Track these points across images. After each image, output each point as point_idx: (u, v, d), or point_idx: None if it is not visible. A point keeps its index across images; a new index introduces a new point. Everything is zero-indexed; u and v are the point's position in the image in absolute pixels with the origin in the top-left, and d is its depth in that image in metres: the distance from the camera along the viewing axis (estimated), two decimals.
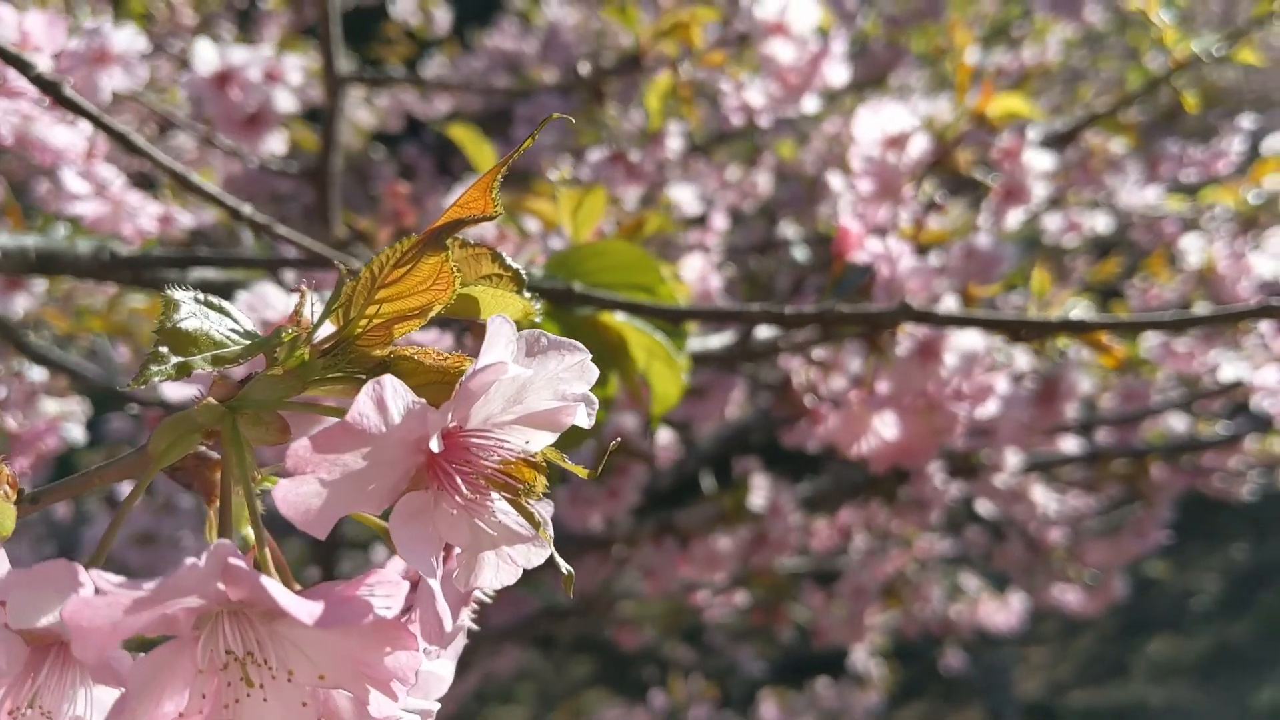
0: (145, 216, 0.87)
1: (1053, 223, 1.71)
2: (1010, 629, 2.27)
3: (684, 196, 1.58)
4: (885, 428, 0.74)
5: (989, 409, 0.73)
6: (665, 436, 1.60)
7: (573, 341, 0.28)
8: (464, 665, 1.51)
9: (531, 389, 0.27)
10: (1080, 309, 1.84)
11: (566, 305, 0.60)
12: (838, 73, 1.06)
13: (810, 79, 1.03)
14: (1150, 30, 1.17)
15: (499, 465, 0.27)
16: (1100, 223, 1.69)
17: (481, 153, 1.00)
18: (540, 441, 0.29)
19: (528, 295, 0.33)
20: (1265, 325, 1.03)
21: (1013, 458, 1.38)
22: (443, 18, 3.12)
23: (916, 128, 0.96)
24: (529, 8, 3.07)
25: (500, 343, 0.26)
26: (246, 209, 0.60)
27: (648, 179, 1.10)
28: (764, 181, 2.23)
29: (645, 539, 1.48)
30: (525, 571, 1.05)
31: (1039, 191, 1.02)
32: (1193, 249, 1.63)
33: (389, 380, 0.25)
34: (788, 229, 2.14)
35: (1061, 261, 2.05)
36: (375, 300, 0.29)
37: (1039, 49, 2.76)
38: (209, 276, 0.68)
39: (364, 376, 0.29)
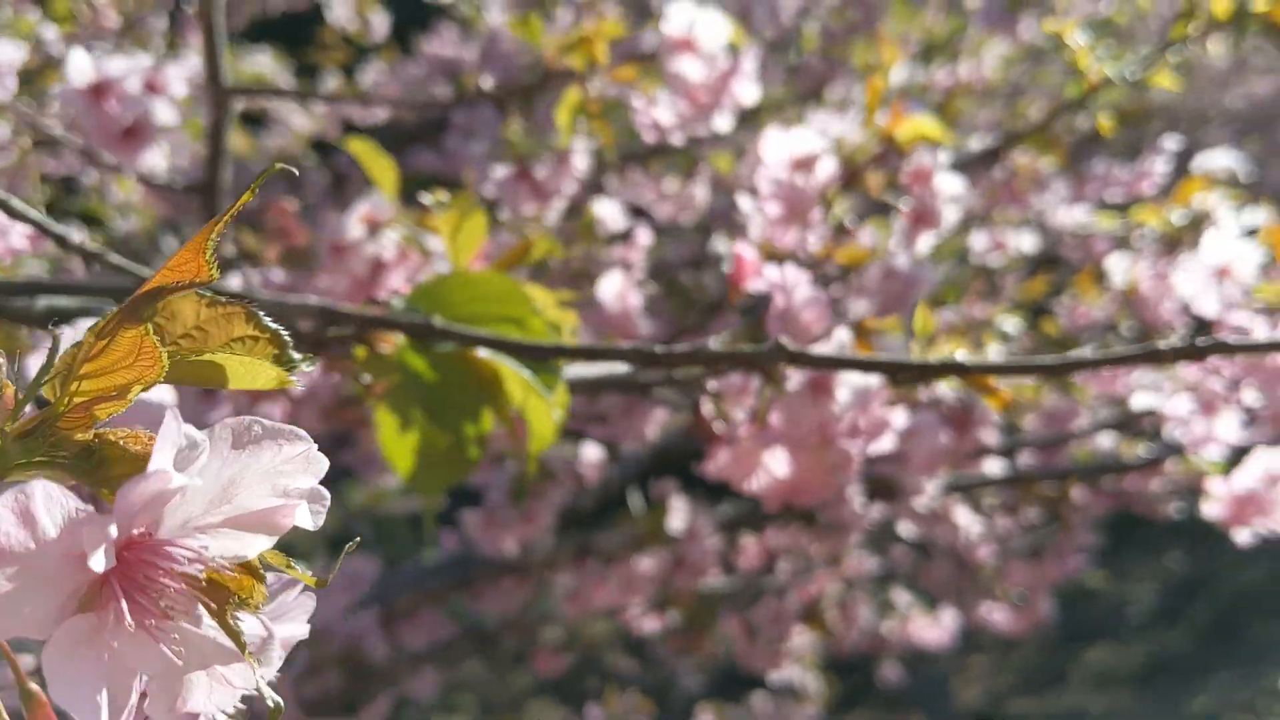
0: (16, 234, 0.82)
1: (979, 241, 1.69)
2: (942, 645, 2.25)
3: (608, 212, 1.55)
4: (776, 464, 0.71)
5: (885, 444, 0.70)
6: (594, 454, 1.56)
7: (294, 430, 0.24)
8: (375, 691, 1.46)
9: (243, 485, 0.23)
10: (1011, 325, 1.83)
11: (426, 341, 0.56)
12: (748, 91, 1.02)
13: (720, 97, 1.00)
14: (1064, 53, 1.15)
15: (195, 577, 0.23)
16: (1026, 242, 1.68)
17: (381, 169, 0.96)
18: (257, 546, 0.24)
19: (294, 356, 0.29)
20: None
21: (932, 481, 1.35)
22: (380, 23, 3.06)
23: (824, 150, 0.93)
24: (473, 14, 3.02)
25: (166, 445, 0.21)
26: (76, 237, 0.55)
27: (553, 197, 1.06)
28: (701, 194, 2.20)
29: (565, 562, 1.44)
30: (443, 594, 0.99)
31: (950, 216, 0.99)
32: (1118, 269, 1.61)
33: (38, 487, 0.20)
34: (720, 243, 2.11)
35: (992, 279, 2.03)
36: (79, 376, 0.25)
37: (974, 64, 2.75)
38: (62, 304, 0.63)
39: (68, 462, 0.25)
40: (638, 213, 1.91)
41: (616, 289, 1.37)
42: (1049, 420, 1.41)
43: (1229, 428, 0.98)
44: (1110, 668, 5.48)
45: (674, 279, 2.00)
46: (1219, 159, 2.20)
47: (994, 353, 1.80)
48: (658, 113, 1.00)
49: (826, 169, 0.94)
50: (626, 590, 1.27)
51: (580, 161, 1.05)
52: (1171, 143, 1.60)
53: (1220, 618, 5.46)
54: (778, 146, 0.94)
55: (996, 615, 1.87)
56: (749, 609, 1.67)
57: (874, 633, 2.42)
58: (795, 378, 0.68)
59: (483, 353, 0.56)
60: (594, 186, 2.44)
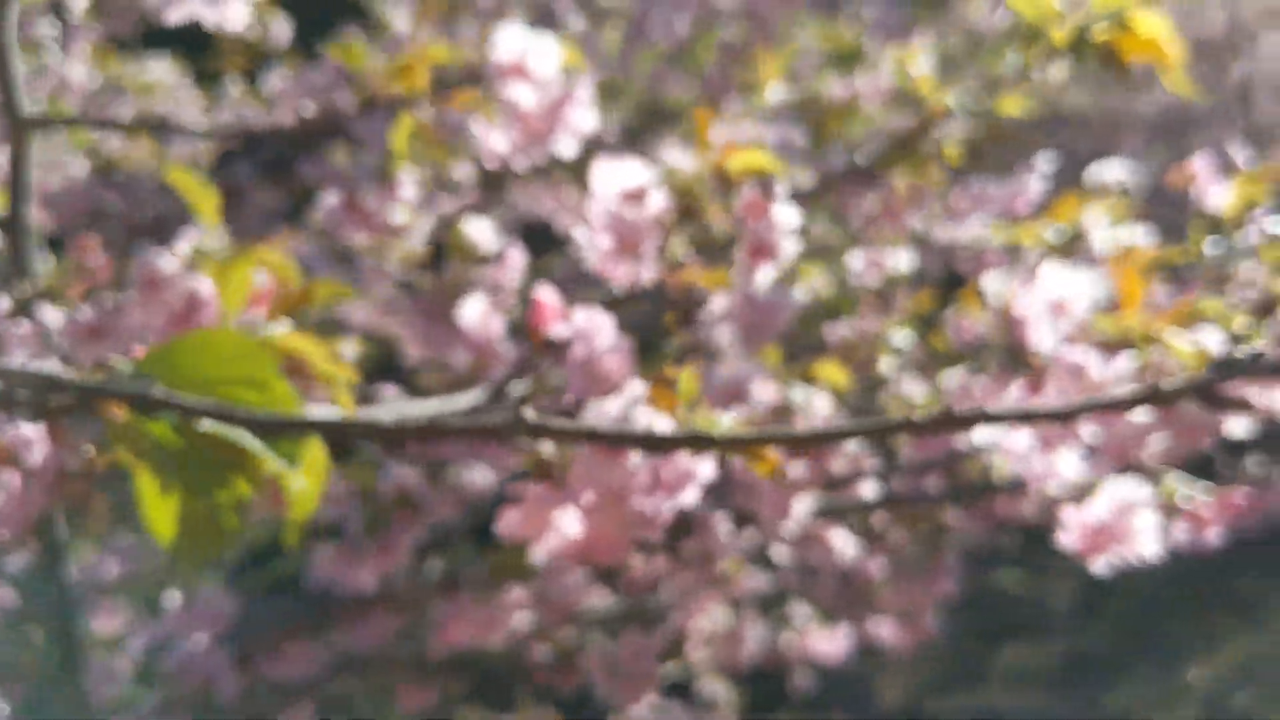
0: None
1: (855, 261, 1.67)
2: (840, 657, 2.23)
3: (479, 232, 1.50)
4: (568, 524, 0.67)
5: (689, 497, 0.66)
6: (478, 474, 1.51)
7: None
8: None
9: None
10: (901, 338, 1.81)
11: (145, 413, 0.51)
12: (585, 118, 0.99)
13: (554, 124, 0.96)
14: (903, 81, 1.13)
15: None
16: (903, 260, 1.66)
17: (201, 198, 0.91)
18: None
19: None
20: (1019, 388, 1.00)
21: (799, 506, 1.33)
22: (282, 30, 2.99)
23: (652, 183, 0.90)
24: (383, 20, 2.96)
25: None
26: None
27: (381, 227, 1.01)
28: None
29: (433, 593, 1.39)
30: (316, 622, 0.92)
31: (789, 248, 0.96)
32: (992, 287, 1.60)
33: None
34: None
35: (883, 294, 2.02)
36: None
37: (872, 76, 2.74)
38: None
39: None
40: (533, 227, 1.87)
41: (477, 314, 1.33)
42: (920, 444, 1.39)
43: (1069, 463, 0.96)
44: (1028, 665, 5.54)
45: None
46: (1112, 170, 2.20)
47: (885, 365, 1.79)
48: (491, 139, 0.96)
49: (657, 201, 0.91)
50: (485, 626, 1.22)
51: (408, 190, 1.00)
52: (1044, 161, 1.59)
53: (1137, 614, 5.54)
54: (607, 178, 0.91)
55: (883, 630, 1.85)
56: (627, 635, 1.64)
57: (772, 648, 2.40)
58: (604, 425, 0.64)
59: (208, 424, 0.52)
60: (492, 198, 2.39)
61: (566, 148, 1.00)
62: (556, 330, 0.71)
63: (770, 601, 2.10)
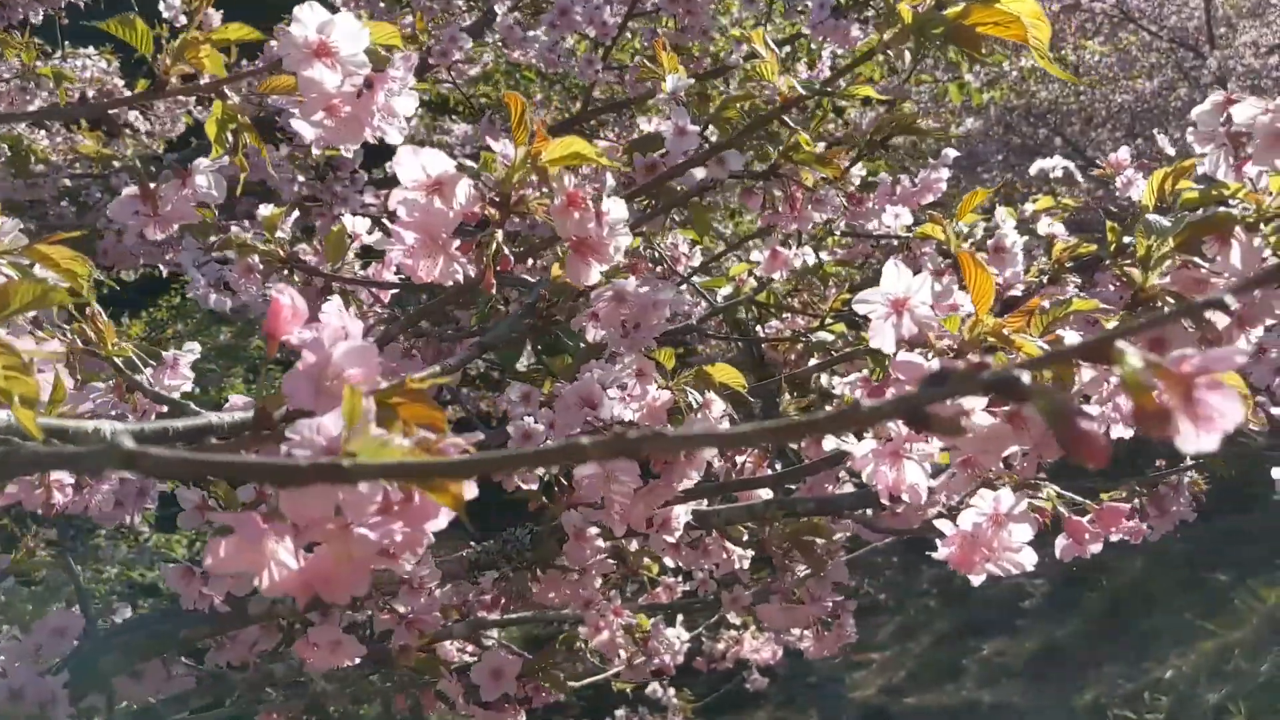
0: None
1: (756, 256, 1.58)
2: (773, 662, 2.16)
3: (360, 227, 1.41)
4: (287, 556, 0.58)
5: (435, 525, 0.58)
6: None
7: None
8: None
9: None
10: (830, 334, 1.73)
11: None
12: (403, 103, 0.90)
13: (366, 109, 0.87)
14: (753, 65, 1.04)
15: None
16: (810, 257, 1.58)
17: None
18: None
19: None
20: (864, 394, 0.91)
21: (682, 515, 1.24)
22: (216, 17, 2.90)
23: (455, 172, 0.81)
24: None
25: None
26: None
27: (172, 224, 0.93)
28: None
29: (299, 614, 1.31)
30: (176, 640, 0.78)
31: (621, 242, 0.88)
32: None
33: None
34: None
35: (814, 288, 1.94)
36: None
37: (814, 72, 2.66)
38: None
39: None
40: None
41: (334, 315, 1.24)
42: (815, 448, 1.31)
43: (916, 474, 0.87)
44: (1003, 661, 5.47)
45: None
46: (1056, 163, 2.12)
47: (814, 363, 1.70)
48: (297, 125, 0.87)
49: (464, 192, 0.82)
50: (331, 653, 1.14)
51: (202, 181, 0.92)
52: (951, 155, 1.50)
53: (1110, 609, 5.47)
54: (410, 166, 0.82)
55: (804, 643, 1.77)
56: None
57: (710, 651, 2.32)
58: (300, 456, 0.55)
59: None
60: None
61: (394, 134, 0.92)
62: (297, 336, 0.63)
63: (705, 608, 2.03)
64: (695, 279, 2.09)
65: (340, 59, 0.85)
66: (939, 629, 6.16)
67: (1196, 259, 0.88)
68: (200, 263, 1.42)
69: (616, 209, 0.86)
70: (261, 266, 1.32)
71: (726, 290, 2.00)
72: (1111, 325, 0.94)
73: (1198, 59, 5.99)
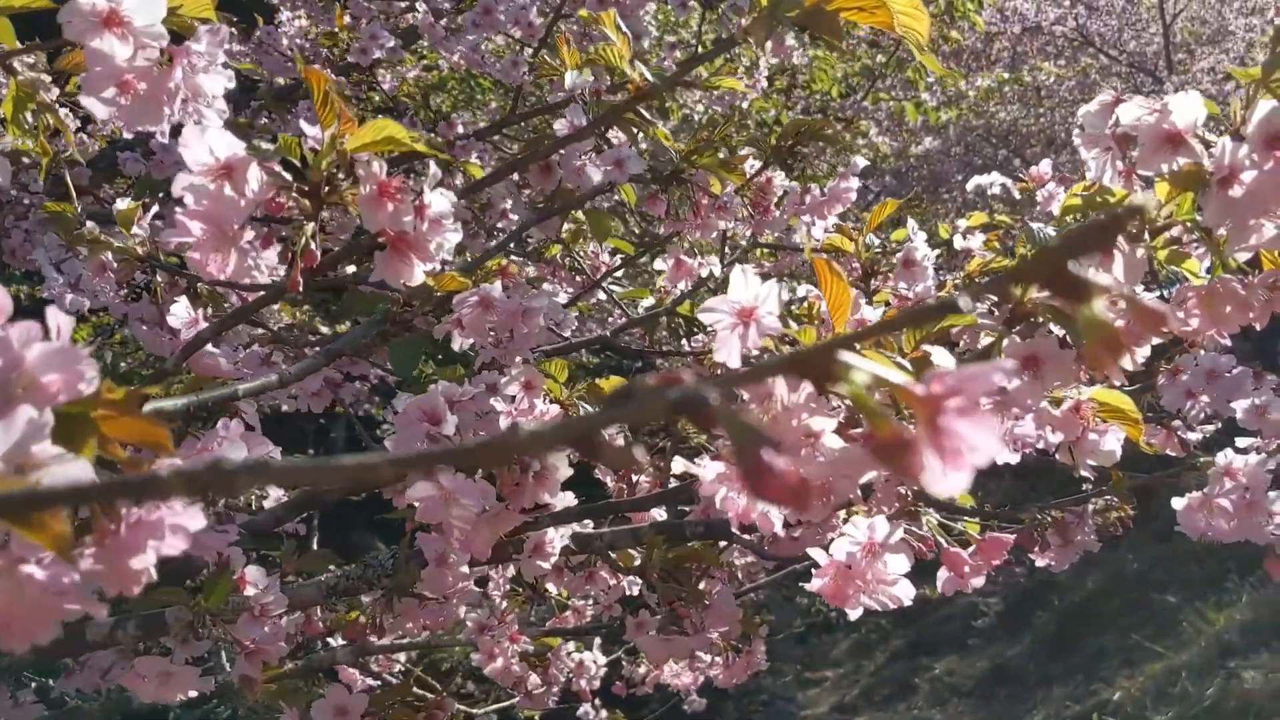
0: None
1: (660, 264, 1.49)
2: (691, 687, 2.05)
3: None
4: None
5: (173, 547, 0.48)
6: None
7: None
8: None
9: None
10: None
11: None
12: (212, 83, 0.80)
13: (162, 87, 0.77)
14: (602, 50, 0.95)
15: None
16: (715, 266, 1.48)
17: None
18: None
19: None
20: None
21: (557, 539, 1.15)
22: None
23: (248, 157, 0.71)
24: None
25: None
26: None
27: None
28: None
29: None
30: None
31: (449, 240, 0.78)
32: (815, 297, 1.42)
33: None
34: None
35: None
36: None
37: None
38: None
39: None
40: None
41: (182, 315, 1.15)
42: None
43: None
44: (955, 680, 5.40)
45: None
46: (994, 180, 2.04)
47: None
48: (85, 102, 0.77)
49: (255, 179, 0.72)
50: (161, 686, 1.03)
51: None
52: (860, 164, 1.41)
53: (1061, 628, 5.40)
54: (195, 148, 0.72)
55: (713, 670, 1.67)
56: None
57: (631, 675, 2.22)
58: None
59: None
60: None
61: (212, 115, 0.81)
62: None
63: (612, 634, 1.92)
64: (616, 288, 2.00)
65: (133, 29, 0.75)
66: (892, 647, 6.08)
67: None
68: (60, 260, 1.31)
69: (439, 202, 0.76)
70: (116, 265, 1.22)
71: (649, 301, 1.91)
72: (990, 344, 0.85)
73: (1156, 84, 5.96)
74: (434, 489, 0.87)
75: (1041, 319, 0.83)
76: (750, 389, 0.73)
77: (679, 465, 0.81)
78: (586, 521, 1.30)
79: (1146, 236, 0.79)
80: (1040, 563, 1.28)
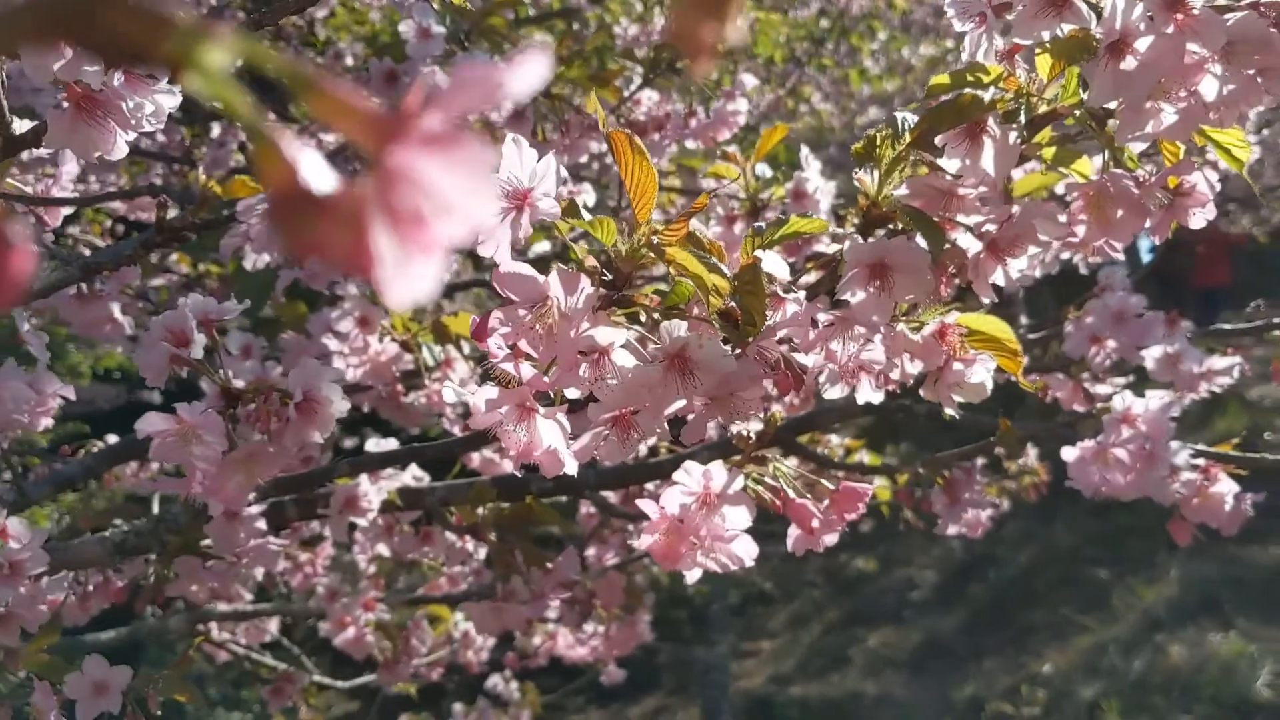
0: None
1: None
2: (586, 660, 1.91)
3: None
4: None
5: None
6: None
7: None
8: None
9: None
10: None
11: None
12: None
13: None
14: None
15: None
16: (589, 195, 1.32)
17: None
18: None
19: None
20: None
21: (372, 492, 0.98)
22: None
23: None
24: None
25: None
26: None
27: None
28: None
29: None
30: None
31: (165, 103, 0.61)
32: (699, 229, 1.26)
33: None
34: None
35: None
36: None
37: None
38: None
39: None
40: None
41: None
42: None
43: (553, 435, 0.62)
44: (889, 652, 5.31)
45: None
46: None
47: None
48: None
49: None
50: None
51: None
52: (750, 80, 1.25)
53: (994, 602, 5.33)
54: None
55: (593, 641, 1.53)
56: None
57: (523, 648, 2.08)
58: None
59: None
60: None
61: None
62: None
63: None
64: None
65: None
66: (828, 618, 5.99)
67: (938, 162, 0.64)
68: None
69: None
70: None
71: (543, 245, 1.74)
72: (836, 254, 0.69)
73: None
74: (168, 421, 0.70)
75: (899, 225, 0.67)
76: (522, 292, 0.57)
77: (449, 393, 0.65)
78: (422, 476, 1.14)
79: (1022, 119, 0.64)
80: (829, 538, 1.13)
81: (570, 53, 1.16)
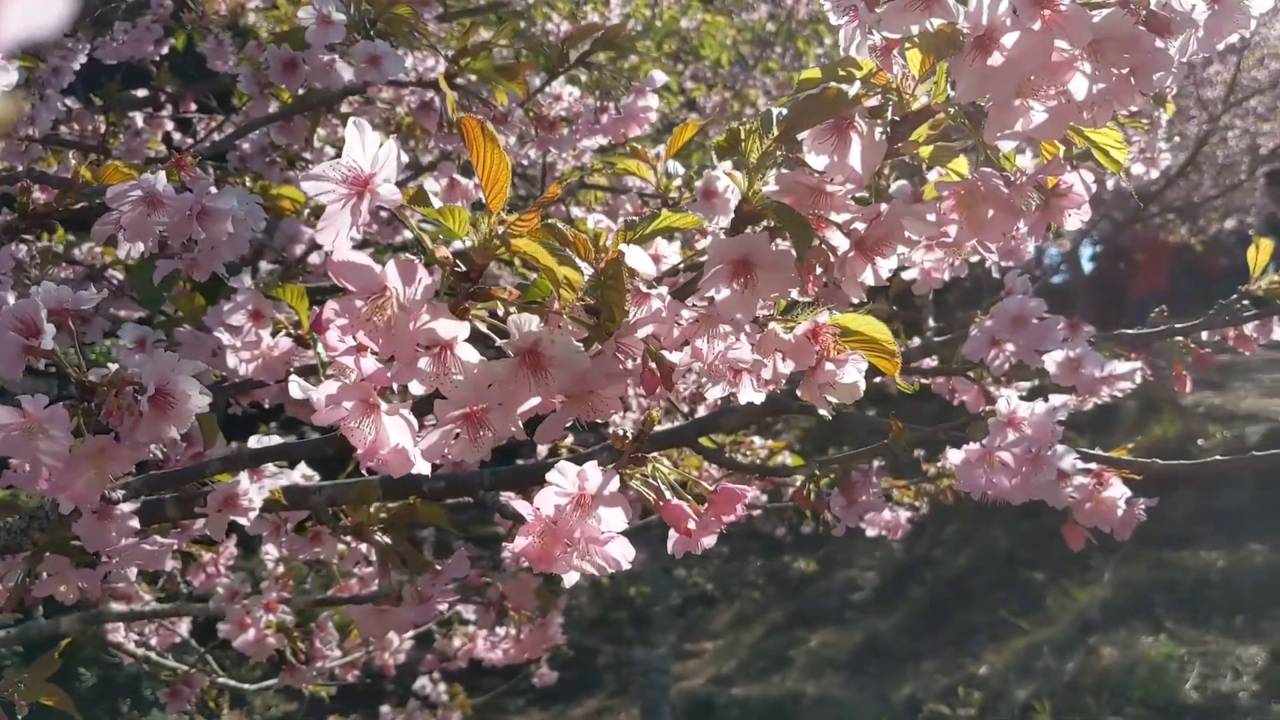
0: None
1: (433, 185, 1.30)
2: (506, 663, 1.88)
3: None
4: None
5: None
6: None
7: None
8: None
9: None
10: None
11: None
12: None
13: None
14: None
15: None
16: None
17: None
18: None
19: None
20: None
21: (254, 490, 0.95)
22: None
23: None
24: None
25: None
26: None
27: None
28: None
29: None
30: None
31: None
32: (605, 229, 1.24)
33: None
34: None
35: None
36: None
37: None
38: None
39: None
40: None
41: None
42: None
43: (400, 432, 0.59)
44: (830, 653, 5.34)
45: None
46: None
47: None
48: None
49: None
50: None
51: None
52: (660, 78, 1.23)
53: (933, 603, 5.37)
54: None
55: (505, 644, 1.50)
56: None
57: (441, 651, 2.04)
58: None
59: None
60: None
61: None
62: None
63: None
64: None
65: None
66: (770, 620, 6.01)
67: (807, 159, 0.62)
68: None
69: None
70: None
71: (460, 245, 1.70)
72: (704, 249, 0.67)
73: None
74: (12, 415, 0.67)
75: (770, 223, 0.66)
76: (358, 282, 0.55)
77: (295, 388, 0.62)
78: (312, 474, 1.11)
79: (890, 115, 0.62)
80: (708, 540, 1.11)
81: (476, 44, 1.13)
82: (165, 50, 1.74)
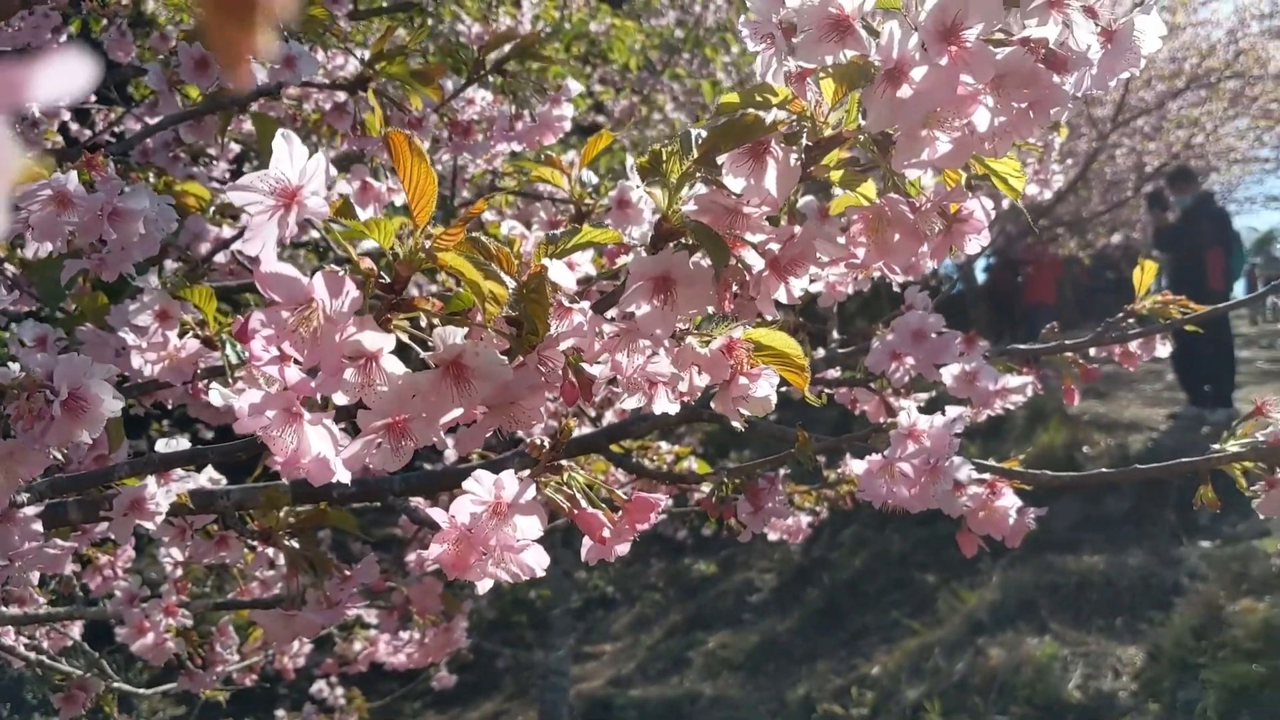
0: None
1: (347, 188, 1.29)
2: (408, 667, 1.87)
3: None
4: None
5: None
6: None
7: None
8: None
9: None
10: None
11: None
12: None
13: None
14: None
15: None
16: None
17: None
18: None
19: None
20: None
21: (160, 494, 0.93)
22: None
23: None
24: None
25: None
26: None
27: None
28: None
29: None
30: None
31: None
32: (519, 236, 1.26)
33: None
34: None
35: None
36: None
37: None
38: None
39: None
40: None
41: None
42: None
43: (322, 441, 0.60)
44: (727, 654, 5.41)
45: None
46: None
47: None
48: None
49: None
50: None
51: None
52: (575, 86, 1.25)
53: (828, 604, 5.49)
54: None
55: (409, 648, 1.50)
56: None
57: (343, 654, 2.02)
58: None
59: None
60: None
61: None
62: None
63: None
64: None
65: None
66: (669, 622, 6.06)
67: (722, 180, 0.65)
68: None
69: None
70: None
71: (369, 245, 1.69)
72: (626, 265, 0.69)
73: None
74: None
75: (688, 240, 0.68)
76: (285, 293, 0.55)
77: (215, 395, 0.62)
78: (219, 478, 1.10)
79: (805, 141, 0.65)
80: (621, 548, 1.16)
81: (392, 49, 1.14)
82: (64, 39, 1.69)
